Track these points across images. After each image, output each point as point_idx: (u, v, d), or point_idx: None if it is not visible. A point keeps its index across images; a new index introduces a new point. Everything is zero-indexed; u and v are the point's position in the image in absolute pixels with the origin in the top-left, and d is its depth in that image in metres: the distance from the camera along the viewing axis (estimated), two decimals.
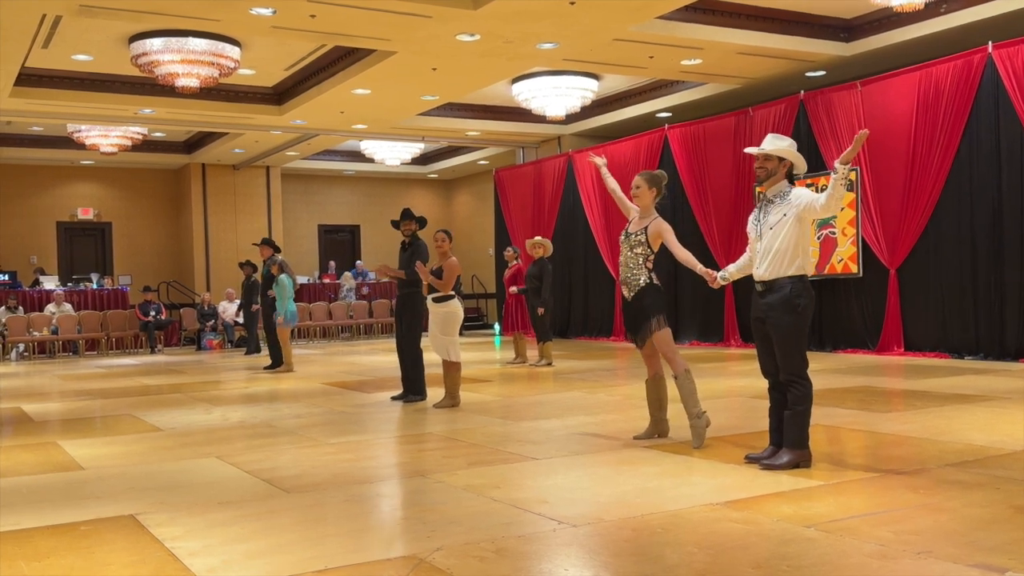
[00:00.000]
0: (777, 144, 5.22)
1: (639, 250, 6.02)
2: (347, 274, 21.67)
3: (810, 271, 5.21)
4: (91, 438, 7.31)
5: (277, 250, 13.40)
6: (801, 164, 5.24)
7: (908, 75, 11.77)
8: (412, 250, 8.77)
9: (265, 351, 14.69)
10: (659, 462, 5.53)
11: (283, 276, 12.72)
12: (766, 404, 5.40)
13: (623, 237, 6.17)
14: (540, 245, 12.26)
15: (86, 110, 15.68)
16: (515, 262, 12.95)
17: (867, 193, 12.17)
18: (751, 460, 5.38)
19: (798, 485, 4.78)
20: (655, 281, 6.03)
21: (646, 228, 6.02)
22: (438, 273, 8.18)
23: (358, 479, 5.38)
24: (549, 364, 12.10)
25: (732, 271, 5.57)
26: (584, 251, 17.50)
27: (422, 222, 8.98)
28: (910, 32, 12.22)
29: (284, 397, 9.76)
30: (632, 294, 6.06)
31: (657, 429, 6.27)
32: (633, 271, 6.05)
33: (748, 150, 5.51)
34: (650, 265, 6.03)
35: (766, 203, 5.23)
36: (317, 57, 14.25)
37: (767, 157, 5.20)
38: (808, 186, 12.72)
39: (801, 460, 5.15)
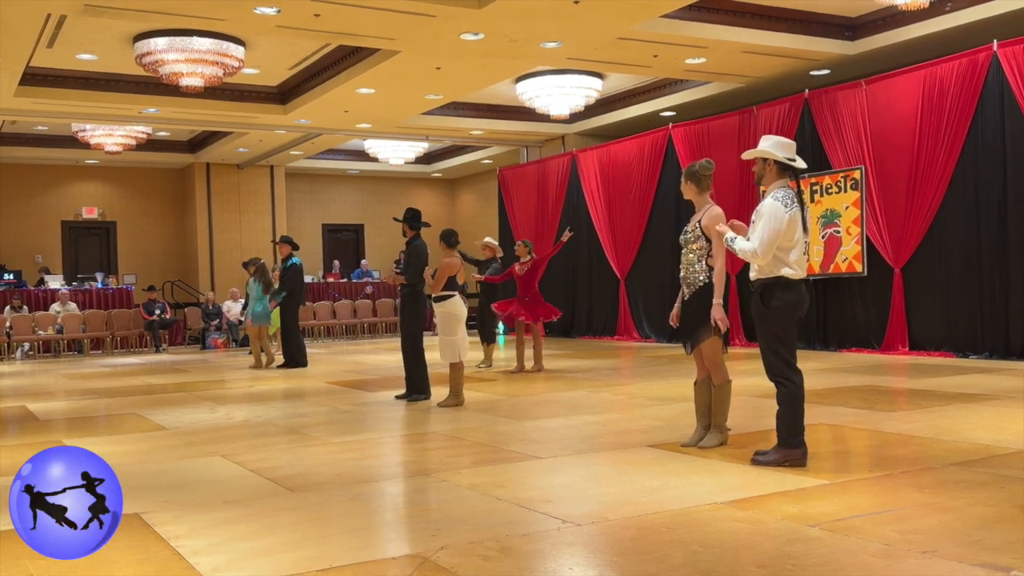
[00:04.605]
0: (761, 145, 5.24)
1: (695, 246, 5.71)
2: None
3: (792, 274, 5.10)
4: (96, 437, 7.34)
5: (295, 248, 13.49)
6: (780, 156, 5.14)
7: (913, 74, 11.74)
8: (408, 251, 8.81)
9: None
10: (663, 461, 5.52)
11: (252, 280, 13.23)
12: (770, 403, 5.39)
13: (681, 239, 5.88)
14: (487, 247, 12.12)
15: (90, 109, 15.70)
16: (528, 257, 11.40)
17: (872, 192, 12.15)
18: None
19: (803, 484, 4.77)
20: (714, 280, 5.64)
21: (699, 221, 5.73)
22: (433, 274, 8.31)
23: (362, 478, 5.38)
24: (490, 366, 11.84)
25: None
26: (588, 250, 17.48)
27: (415, 224, 8.83)
28: (915, 31, 12.20)
29: (289, 396, 9.77)
30: (690, 293, 5.76)
31: (705, 435, 6.00)
32: (690, 270, 5.74)
33: (744, 155, 5.58)
34: (710, 262, 5.68)
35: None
36: (321, 56, 14.25)
37: (754, 160, 5.29)
38: (813, 184, 12.74)
39: (789, 459, 5.14)
